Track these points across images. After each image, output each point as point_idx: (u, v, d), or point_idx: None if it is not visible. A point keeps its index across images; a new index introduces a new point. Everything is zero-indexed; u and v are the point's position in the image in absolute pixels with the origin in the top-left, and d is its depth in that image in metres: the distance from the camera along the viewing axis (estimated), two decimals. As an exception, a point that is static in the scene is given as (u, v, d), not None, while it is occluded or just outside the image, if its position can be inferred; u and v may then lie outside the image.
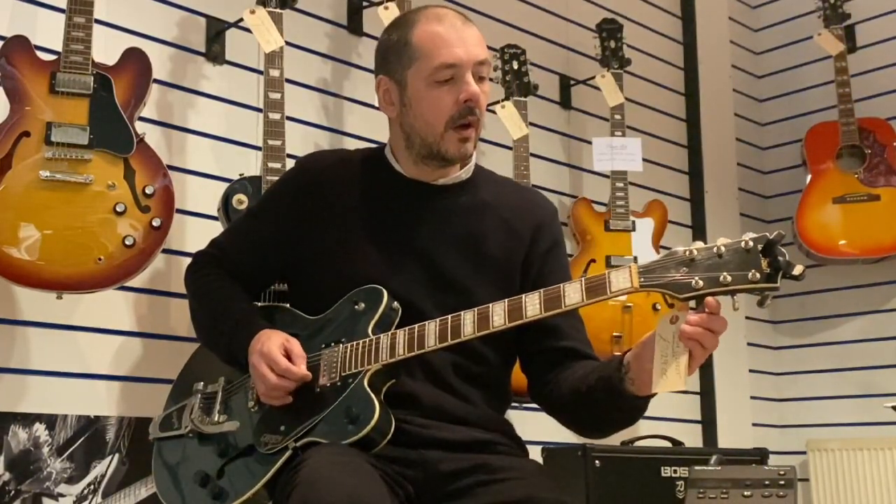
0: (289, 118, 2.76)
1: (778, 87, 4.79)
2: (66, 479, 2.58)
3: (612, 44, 3.77)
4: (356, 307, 1.86)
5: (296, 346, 1.84)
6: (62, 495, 2.56)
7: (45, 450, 2.55)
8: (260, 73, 2.87)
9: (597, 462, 2.90)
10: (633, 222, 3.64)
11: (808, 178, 4.22)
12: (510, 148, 3.43)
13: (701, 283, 1.57)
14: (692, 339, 1.61)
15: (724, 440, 4.16)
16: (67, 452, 2.59)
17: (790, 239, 4.11)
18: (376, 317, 1.83)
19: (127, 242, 2.41)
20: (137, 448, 2.65)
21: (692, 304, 1.61)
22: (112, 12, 2.80)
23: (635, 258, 3.53)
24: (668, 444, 3.25)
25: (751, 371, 4.46)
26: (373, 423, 1.73)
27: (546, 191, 3.64)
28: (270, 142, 2.68)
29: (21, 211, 2.34)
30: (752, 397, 4.45)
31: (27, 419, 2.54)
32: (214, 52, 3.01)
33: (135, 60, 2.56)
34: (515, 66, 3.49)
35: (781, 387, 4.57)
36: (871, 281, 4.31)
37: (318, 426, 1.78)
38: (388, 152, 2.00)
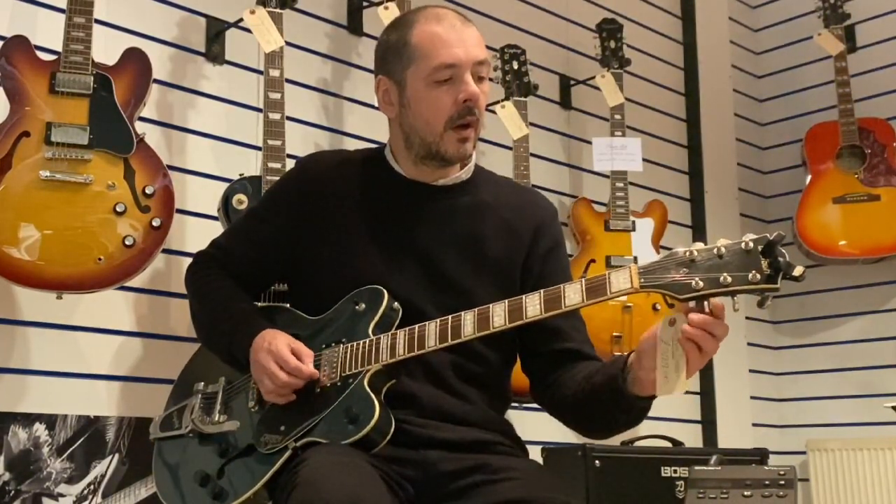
0: (289, 118, 2.76)
1: (778, 87, 4.79)
2: (66, 479, 2.58)
3: (612, 44, 3.77)
4: (357, 308, 1.86)
5: (301, 345, 1.85)
6: (62, 495, 2.56)
7: (45, 450, 2.55)
8: (260, 73, 2.87)
9: (597, 462, 2.90)
10: (633, 222, 3.64)
11: (808, 178, 4.22)
12: (510, 148, 3.43)
13: (701, 283, 1.56)
14: (691, 341, 1.60)
15: (724, 440, 4.16)
16: (67, 452, 2.59)
17: (790, 239, 4.10)
18: (377, 317, 1.83)
19: (127, 242, 2.41)
20: (137, 448, 2.65)
21: (692, 304, 1.61)
22: (112, 12, 2.80)
23: (635, 258, 3.53)
24: (668, 444, 3.25)
25: (751, 371, 4.46)
26: (373, 423, 1.73)
27: (546, 191, 3.64)
28: (270, 142, 2.68)
29: (21, 211, 2.34)
30: (752, 397, 4.45)
31: (27, 419, 2.53)
32: (214, 52, 3.01)
33: (135, 60, 2.56)
34: (515, 66, 3.49)
35: (781, 387, 4.57)
36: (871, 281, 4.31)
37: (319, 426, 1.79)
38: (387, 153, 2.00)
